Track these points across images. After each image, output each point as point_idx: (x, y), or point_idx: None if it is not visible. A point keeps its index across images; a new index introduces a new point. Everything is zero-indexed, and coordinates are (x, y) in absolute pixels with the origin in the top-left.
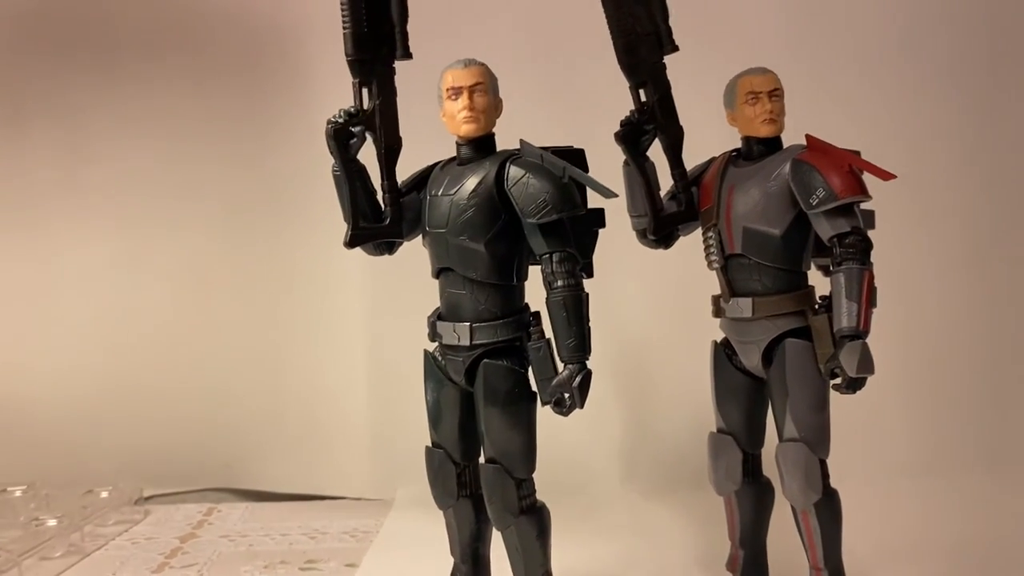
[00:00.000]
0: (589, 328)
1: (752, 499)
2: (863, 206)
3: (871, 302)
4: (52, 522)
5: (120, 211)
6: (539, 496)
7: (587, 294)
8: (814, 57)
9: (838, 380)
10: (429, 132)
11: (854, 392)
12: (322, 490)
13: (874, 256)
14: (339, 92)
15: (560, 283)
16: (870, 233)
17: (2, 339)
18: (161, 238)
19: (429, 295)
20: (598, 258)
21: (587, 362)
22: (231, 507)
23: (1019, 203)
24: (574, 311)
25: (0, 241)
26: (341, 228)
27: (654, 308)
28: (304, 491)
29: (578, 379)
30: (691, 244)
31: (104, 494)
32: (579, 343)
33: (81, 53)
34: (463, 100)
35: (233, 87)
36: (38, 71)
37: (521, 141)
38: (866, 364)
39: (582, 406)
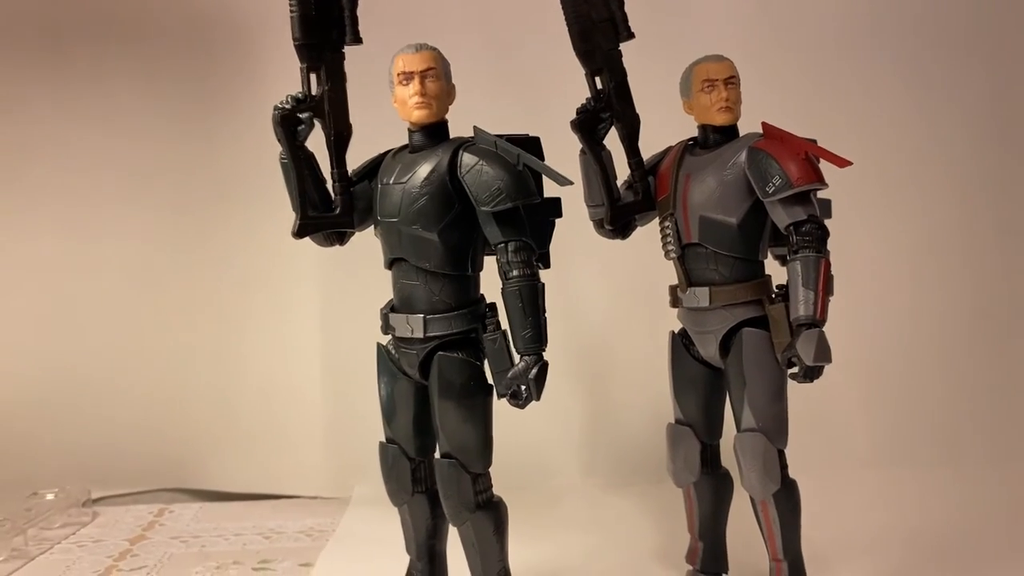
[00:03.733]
0: (545, 319)
1: (711, 490)
2: (820, 195)
3: (828, 290)
4: None
5: (66, 206)
6: (498, 490)
7: (543, 284)
8: (771, 44)
9: (795, 369)
10: (381, 119)
11: (811, 381)
12: (278, 488)
13: (836, 244)
14: (290, 85)
15: (516, 273)
16: (829, 223)
17: None
18: (109, 233)
19: (383, 287)
20: (557, 248)
21: (543, 353)
22: (183, 507)
23: (982, 192)
24: (530, 302)
25: None
26: (292, 222)
27: (614, 298)
28: (259, 490)
29: (534, 371)
30: (651, 234)
31: (50, 496)
32: (535, 334)
33: (26, 45)
34: (414, 85)
35: (183, 78)
36: None
37: (475, 128)
38: (823, 352)
39: (539, 398)
